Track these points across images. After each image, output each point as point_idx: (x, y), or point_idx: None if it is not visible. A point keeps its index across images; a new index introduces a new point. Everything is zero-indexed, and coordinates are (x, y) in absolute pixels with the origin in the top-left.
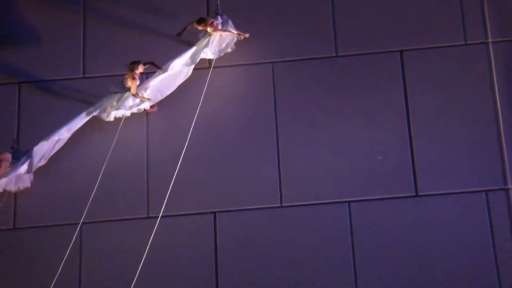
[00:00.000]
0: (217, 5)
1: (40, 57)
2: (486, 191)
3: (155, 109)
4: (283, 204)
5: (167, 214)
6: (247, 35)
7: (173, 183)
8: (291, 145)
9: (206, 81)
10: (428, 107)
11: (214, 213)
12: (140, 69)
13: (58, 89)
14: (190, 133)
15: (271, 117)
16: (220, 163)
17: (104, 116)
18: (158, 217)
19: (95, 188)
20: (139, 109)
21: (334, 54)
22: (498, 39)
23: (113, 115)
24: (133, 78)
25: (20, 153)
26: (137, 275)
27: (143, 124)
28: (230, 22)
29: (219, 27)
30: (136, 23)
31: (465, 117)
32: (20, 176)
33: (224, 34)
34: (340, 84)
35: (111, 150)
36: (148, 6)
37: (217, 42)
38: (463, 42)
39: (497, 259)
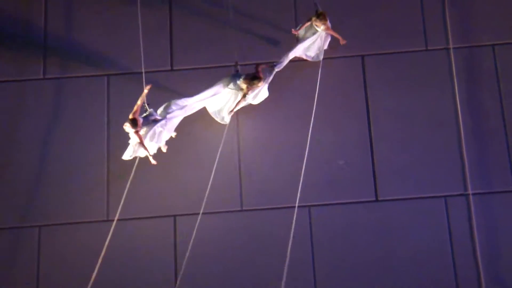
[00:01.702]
0: (316, 3)
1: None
2: (445, 196)
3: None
4: (243, 208)
5: (127, 217)
6: (344, 42)
7: (132, 186)
8: (251, 149)
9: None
10: (389, 112)
11: (174, 216)
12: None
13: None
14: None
15: (234, 120)
16: (180, 167)
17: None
18: (119, 219)
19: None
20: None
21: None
22: (459, 45)
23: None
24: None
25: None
26: (93, 278)
27: (103, 129)
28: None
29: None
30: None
31: (426, 122)
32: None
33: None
34: (301, 88)
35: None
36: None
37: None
38: (425, 48)
39: (455, 264)
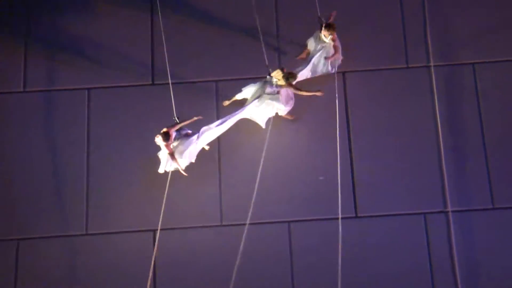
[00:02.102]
0: (319, 17)
1: None
2: (425, 213)
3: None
4: (223, 223)
5: (106, 231)
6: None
7: (112, 200)
8: (232, 164)
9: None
10: (370, 129)
11: (154, 231)
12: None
13: None
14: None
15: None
16: (161, 180)
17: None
18: (97, 233)
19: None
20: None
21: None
22: (440, 63)
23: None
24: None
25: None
26: None
27: (83, 143)
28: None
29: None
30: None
31: (406, 139)
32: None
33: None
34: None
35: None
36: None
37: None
38: (405, 66)
39: (434, 281)
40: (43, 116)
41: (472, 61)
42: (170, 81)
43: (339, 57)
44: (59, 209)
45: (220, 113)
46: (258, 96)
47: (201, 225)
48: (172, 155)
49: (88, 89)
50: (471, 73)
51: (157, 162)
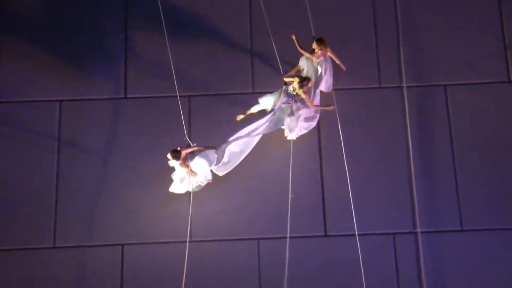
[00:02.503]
0: (314, 37)
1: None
2: (394, 234)
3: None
4: (192, 239)
5: (74, 244)
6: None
7: (81, 213)
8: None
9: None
10: (340, 148)
11: (122, 245)
12: (310, 83)
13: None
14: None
15: None
16: (130, 195)
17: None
18: (65, 247)
19: None
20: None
21: (251, 91)
22: (412, 84)
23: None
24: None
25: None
26: None
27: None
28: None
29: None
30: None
31: (377, 159)
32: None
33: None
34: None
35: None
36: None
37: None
38: (378, 85)
39: None
40: (11, 127)
41: (444, 83)
42: (178, 94)
43: (330, 81)
44: (27, 221)
45: (192, 129)
46: (272, 109)
47: (170, 240)
48: (190, 170)
49: (60, 101)
50: (442, 95)
51: (126, 176)
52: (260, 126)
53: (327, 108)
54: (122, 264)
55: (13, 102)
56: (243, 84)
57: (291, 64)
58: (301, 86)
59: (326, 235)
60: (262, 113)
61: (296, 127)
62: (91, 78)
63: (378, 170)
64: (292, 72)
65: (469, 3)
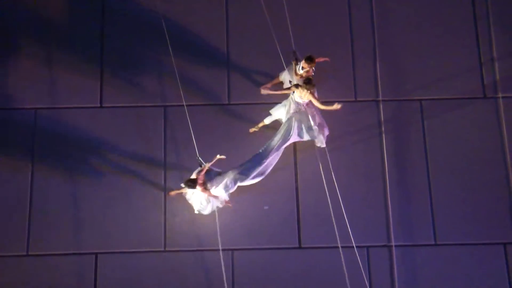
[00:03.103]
0: (295, 51)
1: None
2: (368, 247)
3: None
4: (166, 249)
5: (48, 253)
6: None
7: (56, 221)
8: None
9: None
10: (316, 161)
11: (96, 254)
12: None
13: None
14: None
15: (160, 161)
16: (105, 203)
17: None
18: (39, 255)
19: None
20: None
21: (227, 102)
22: (388, 98)
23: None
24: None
25: (212, 174)
26: None
27: (28, 162)
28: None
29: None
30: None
31: (352, 172)
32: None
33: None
34: (228, 132)
35: None
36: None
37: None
38: (354, 99)
39: None
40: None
41: (419, 98)
42: (184, 103)
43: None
44: (0, 229)
45: (167, 139)
46: (288, 119)
47: (144, 249)
48: (211, 195)
49: (36, 109)
50: (418, 109)
51: (101, 185)
52: (273, 150)
53: (333, 108)
54: (96, 273)
55: None
56: (219, 95)
57: (269, 76)
58: (308, 89)
59: (300, 247)
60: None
61: (320, 134)
62: (67, 86)
63: (353, 183)
64: (269, 85)
65: (445, 19)
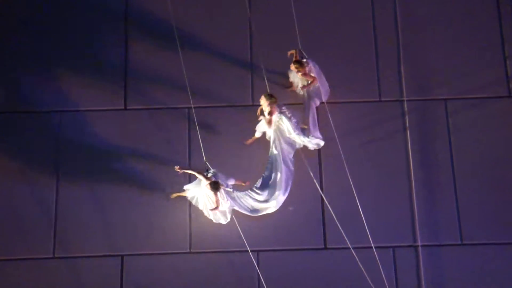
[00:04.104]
0: (300, 50)
1: None
2: (394, 247)
3: None
4: (191, 250)
5: (74, 255)
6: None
7: (81, 224)
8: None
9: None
10: (340, 161)
11: (122, 256)
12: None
13: None
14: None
15: (185, 164)
16: (131, 206)
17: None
18: (65, 257)
19: None
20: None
21: (251, 103)
22: (412, 98)
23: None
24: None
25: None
26: None
27: (52, 166)
28: (318, 68)
29: (311, 73)
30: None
31: (377, 172)
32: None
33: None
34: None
35: None
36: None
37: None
38: (378, 99)
39: None
40: (11, 137)
41: (444, 97)
42: (192, 105)
43: (316, 84)
44: (27, 231)
45: (192, 139)
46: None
47: (169, 251)
48: (218, 203)
49: (60, 111)
50: (443, 109)
51: (126, 187)
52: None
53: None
54: (122, 275)
55: (7, 113)
56: (244, 97)
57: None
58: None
59: (325, 248)
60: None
61: (306, 137)
62: (91, 89)
63: (378, 183)
64: (293, 88)
65: (470, 17)
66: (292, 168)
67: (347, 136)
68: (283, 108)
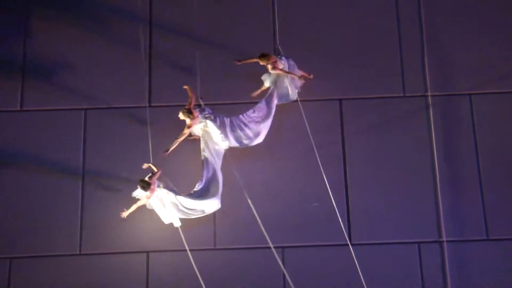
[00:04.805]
0: (278, 47)
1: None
2: (419, 243)
3: None
4: (216, 247)
5: (100, 252)
6: (311, 76)
7: (106, 220)
8: (227, 189)
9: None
10: (365, 157)
11: (147, 252)
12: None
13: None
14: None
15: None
16: None
17: None
18: (90, 254)
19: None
20: None
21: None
22: (437, 93)
23: None
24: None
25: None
26: None
27: (78, 162)
28: (292, 63)
29: (280, 66)
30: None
31: (401, 168)
32: None
33: (284, 76)
34: (278, 129)
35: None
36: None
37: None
38: (402, 95)
39: None
40: (39, 135)
41: (469, 92)
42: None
43: (295, 77)
44: (52, 228)
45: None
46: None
47: (194, 248)
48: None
49: (85, 109)
50: (467, 104)
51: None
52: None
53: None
54: (148, 272)
55: (39, 111)
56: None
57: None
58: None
59: (350, 244)
60: None
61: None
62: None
63: (403, 179)
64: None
65: (495, 10)
66: (220, 172)
67: (371, 132)
68: (206, 113)
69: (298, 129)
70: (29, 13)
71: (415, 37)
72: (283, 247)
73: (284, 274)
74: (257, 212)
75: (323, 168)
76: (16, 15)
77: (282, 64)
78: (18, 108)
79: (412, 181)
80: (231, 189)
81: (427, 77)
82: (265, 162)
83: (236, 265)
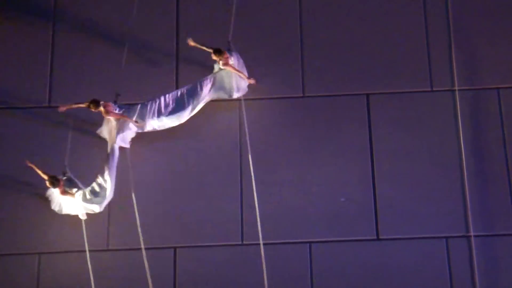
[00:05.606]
0: (229, 42)
1: None
2: (446, 237)
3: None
4: (244, 242)
5: (127, 247)
6: (253, 81)
7: (133, 216)
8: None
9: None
10: (393, 151)
11: (175, 248)
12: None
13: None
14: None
15: (236, 155)
16: (183, 198)
17: None
18: (118, 249)
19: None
20: None
21: (301, 95)
22: (464, 88)
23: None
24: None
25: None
26: None
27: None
28: (241, 62)
29: (231, 62)
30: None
31: (429, 162)
32: None
33: (234, 73)
34: (305, 125)
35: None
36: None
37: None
38: (430, 89)
39: None
40: (61, 129)
41: (497, 86)
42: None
43: (243, 76)
44: (81, 224)
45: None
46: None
47: (221, 243)
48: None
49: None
50: (495, 98)
51: (177, 180)
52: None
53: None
54: (175, 267)
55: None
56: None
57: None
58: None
59: (378, 239)
60: None
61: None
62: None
63: (430, 173)
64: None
65: None
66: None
67: (399, 126)
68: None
69: (325, 127)
70: None
71: (443, 31)
72: (310, 242)
73: (311, 270)
74: (284, 207)
75: (351, 163)
76: None
77: (232, 61)
78: (47, 104)
79: (439, 176)
80: (260, 185)
81: (455, 71)
82: (294, 158)
83: (264, 260)
